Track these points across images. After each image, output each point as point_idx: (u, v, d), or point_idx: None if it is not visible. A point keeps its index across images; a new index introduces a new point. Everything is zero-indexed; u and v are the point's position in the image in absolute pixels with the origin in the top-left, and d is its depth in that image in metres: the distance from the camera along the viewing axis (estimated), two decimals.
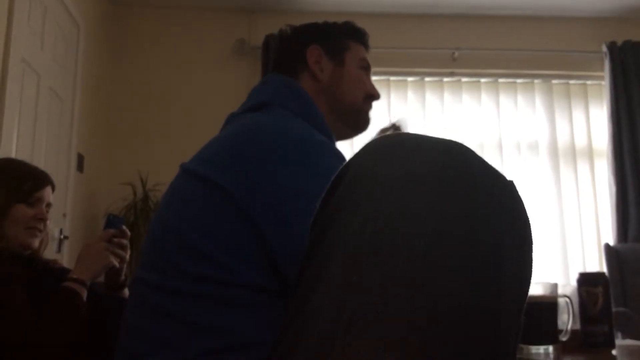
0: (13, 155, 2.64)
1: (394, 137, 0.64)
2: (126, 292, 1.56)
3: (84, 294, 1.39)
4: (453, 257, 0.55)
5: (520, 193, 0.62)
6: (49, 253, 2.39)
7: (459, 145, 0.62)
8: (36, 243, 1.52)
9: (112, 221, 1.55)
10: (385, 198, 0.58)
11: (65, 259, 3.19)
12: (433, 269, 0.55)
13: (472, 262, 0.56)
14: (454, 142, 0.62)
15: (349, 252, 0.58)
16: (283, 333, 0.65)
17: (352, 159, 0.64)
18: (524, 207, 0.62)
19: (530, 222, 0.62)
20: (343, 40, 1.26)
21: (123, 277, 1.55)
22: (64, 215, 3.31)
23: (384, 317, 0.54)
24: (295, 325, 0.62)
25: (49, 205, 1.57)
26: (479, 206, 0.58)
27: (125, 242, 1.54)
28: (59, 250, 3.23)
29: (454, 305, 0.54)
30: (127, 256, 1.54)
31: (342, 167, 0.64)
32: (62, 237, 3.25)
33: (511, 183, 0.62)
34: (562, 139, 4.42)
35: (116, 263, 1.49)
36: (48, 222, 1.55)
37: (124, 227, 1.55)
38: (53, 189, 1.60)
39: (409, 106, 4.37)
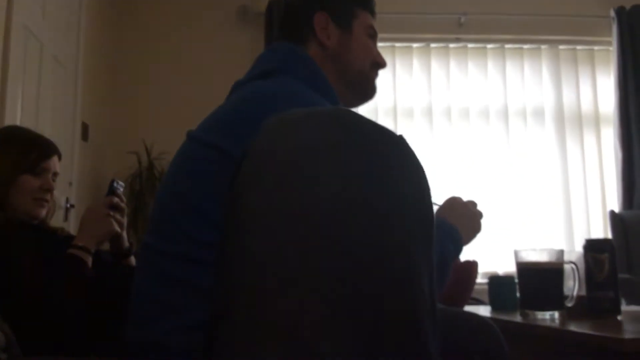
0: (18, 123, 2.63)
1: (283, 115, 0.66)
2: (133, 260, 1.57)
3: (89, 261, 1.41)
4: (358, 215, 0.59)
5: (410, 146, 0.66)
6: (57, 221, 2.41)
7: (346, 110, 0.66)
8: (43, 213, 1.52)
9: (114, 187, 1.55)
10: (286, 173, 0.61)
11: (72, 227, 3.21)
12: (340, 228, 0.58)
13: (378, 216, 0.60)
14: (340, 109, 0.66)
15: (260, 223, 0.61)
16: (216, 299, 0.66)
17: (249, 144, 0.66)
18: (416, 158, 0.66)
19: (425, 172, 0.66)
20: (350, 7, 1.25)
21: (127, 244, 1.56)
22: (70, 183, 3.31)
23: (304, 277, 0.57)
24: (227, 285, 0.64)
25: (55, 174, 1.56)
26: (374, 162, 0.62)
27: (123, 205, 1.55)
28: (66, 218, 3.25)
29: (366, 256, 0.59)
30: (125, 221, 1.55)
31: (242, 152, 0.67)
32: (68, 205, 3.26)
33: (401, 137, 0.66)
34: (569, 106, 4.39)
35: (118, 229, 1.50)
36: (55, 191, 1.55)
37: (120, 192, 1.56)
38: (60, 158, 1.58)
39: (414, 74, 4.34)
